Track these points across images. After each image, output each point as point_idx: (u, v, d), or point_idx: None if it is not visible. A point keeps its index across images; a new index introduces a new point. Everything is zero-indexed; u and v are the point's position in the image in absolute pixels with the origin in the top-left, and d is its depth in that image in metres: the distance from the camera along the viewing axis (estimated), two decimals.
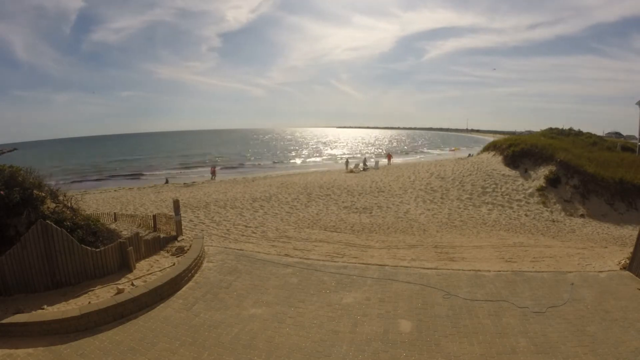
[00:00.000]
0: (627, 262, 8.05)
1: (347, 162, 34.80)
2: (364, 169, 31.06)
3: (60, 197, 8.55)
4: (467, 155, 36.35)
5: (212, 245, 10.19)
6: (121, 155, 77.63)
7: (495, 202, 16.69)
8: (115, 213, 13.78)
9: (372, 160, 39.08)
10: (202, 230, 12.47)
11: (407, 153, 71.09)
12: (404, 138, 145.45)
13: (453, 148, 71.79)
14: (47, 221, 6.77)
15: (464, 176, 20.64)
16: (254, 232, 12.50)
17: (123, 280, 7.27)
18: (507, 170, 20.24)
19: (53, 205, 7.80)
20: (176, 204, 10.27)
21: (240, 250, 9.86)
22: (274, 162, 55.91)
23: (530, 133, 50.72)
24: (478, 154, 29.14)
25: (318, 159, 58.78)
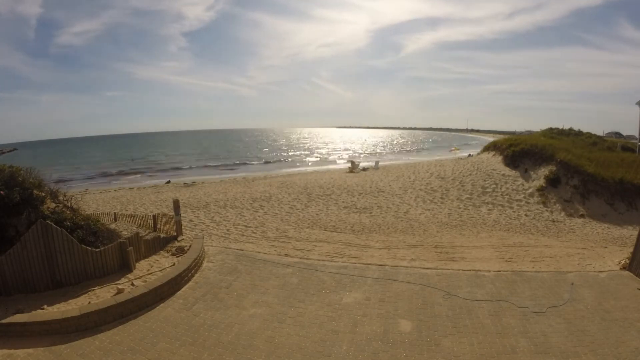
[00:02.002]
0: (627, 262, 8.05)
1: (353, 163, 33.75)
2: (364, 169, 31.05)
3: (60, 197, 8.56)
4: (467, 155, 36.33)
5: (212, 245, 10.19)
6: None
7: (495, 202, 16.69)
8: (115, 213, 13.78)
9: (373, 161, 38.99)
10: (202, 230, 12.47)
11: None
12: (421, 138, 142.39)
13: (453, 148, 71.82)
14: (47, 221, 6.77)
15: (464, 176, 20.63)
16: (254, 232, 12.50)
17: (123, 280, 7.27)
18: (507, 170, 20.23)
19: (53, 205, 7.81)
20: (176, 204, 10.27)
21: (240, 250, 9.87)
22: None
23: (530, 133, 50.72)
24: (478, 154, 29.14)
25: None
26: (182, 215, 10.86)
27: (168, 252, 8.95)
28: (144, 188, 27.14)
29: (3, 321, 5.64)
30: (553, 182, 17.26)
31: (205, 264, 8.68)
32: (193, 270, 8.01)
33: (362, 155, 62.33)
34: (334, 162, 52.87)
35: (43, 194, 7.71)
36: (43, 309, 6.15)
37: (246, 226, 13.37)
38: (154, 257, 8.62)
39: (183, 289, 7.34)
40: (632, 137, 39.12)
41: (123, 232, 9.52)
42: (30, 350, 5.28)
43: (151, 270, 7.78)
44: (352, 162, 33.63)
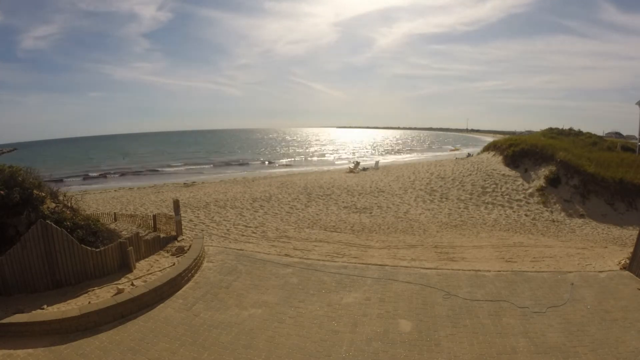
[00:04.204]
0: (627, 262, 8.05)
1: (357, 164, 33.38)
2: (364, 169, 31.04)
3: (60, 197, 8.56)
4: (466, 155, 36.33)
5: (212, 245, 10.19)
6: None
7: (495, 202, 16.68)
8: (115, 213, 13.79)
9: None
10: (202, 230, 12.47)
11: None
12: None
13: (453, 148, 71.87)
14: (47, 221, 6.77)
15: (464, 176, 20.63)
16: (254, 232, 12.50)
17: (123, 280, 7.27)
18: (507, 170, 20.22)
19: (53, 205, 7.81)
20: (176, 204, 10.27)
21: (240, 250, 9.86)
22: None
23: (530, 133, 50.73)
24: (478, 154, 29.13)
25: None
26: (182, 215, 10.85)
27: (168, 252, 8.95)
28: (144, 188, 27.14)
29: (3, 321, 5.64)
30: (553, 182, 17.25)
31: (205, 264, 8.67)
32: (193, 270, 8.01)
33: (363, 155, 62.38)
34: (339, 162, 52.69)
35: (43, 194, 7.71)
36: (43, 309, 6.15)
37: (246, 226, 13.37)
38: (154, 257, 8.62)
39: (183, 289, 7.34)
40: (632, 137, 39.10)
41: (123, 232, 9.52)
42: (30, 350, 5.28)
43: (151, 270, 7.78)
44: (357, 162, 33.65)
